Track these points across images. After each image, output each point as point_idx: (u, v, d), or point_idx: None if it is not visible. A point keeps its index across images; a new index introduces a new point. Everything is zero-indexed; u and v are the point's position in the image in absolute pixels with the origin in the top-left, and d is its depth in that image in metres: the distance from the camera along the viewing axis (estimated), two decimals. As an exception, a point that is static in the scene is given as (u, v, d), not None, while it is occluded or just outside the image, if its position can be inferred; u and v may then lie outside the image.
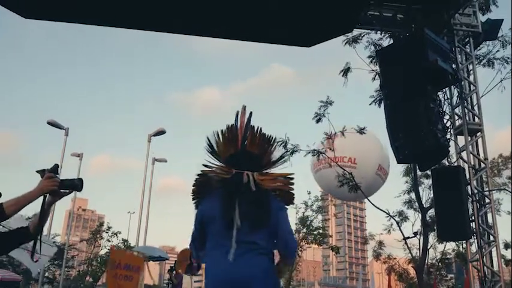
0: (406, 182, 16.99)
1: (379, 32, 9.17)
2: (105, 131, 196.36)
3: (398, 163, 7.30)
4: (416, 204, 12.32)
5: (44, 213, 2.38)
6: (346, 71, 9.37)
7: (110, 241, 27.82)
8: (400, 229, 11.67)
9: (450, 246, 17.29)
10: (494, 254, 8.16)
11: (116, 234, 28.13)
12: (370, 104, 9.52)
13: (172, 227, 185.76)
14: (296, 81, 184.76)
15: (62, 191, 2.40)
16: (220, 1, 5.22)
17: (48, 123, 19.03)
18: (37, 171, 2.41)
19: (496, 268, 8.11)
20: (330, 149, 10.20)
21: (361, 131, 9.94)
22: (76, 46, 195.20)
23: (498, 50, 9.25)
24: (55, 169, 2.41)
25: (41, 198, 2.36)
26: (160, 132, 18.90)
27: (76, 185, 2.42)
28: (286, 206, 2.94)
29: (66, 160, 19.96)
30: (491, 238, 8.15)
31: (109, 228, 28.62)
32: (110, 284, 10.37)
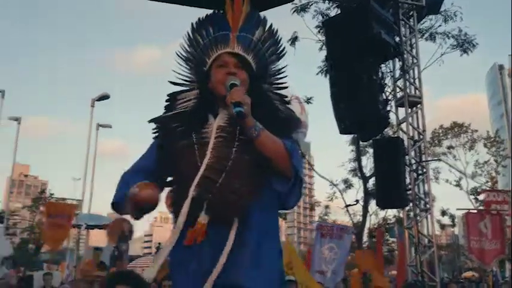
0: (352, 150, 17.34)
1: (327, 1, 9.14)
2: (44, 94, 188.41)
3: (340, 133, 7.42)
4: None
5: None
6: (294, 40, 9.33)
7: (53, 208, 27.05)
8: (342, 197, 12.01)
9: (391, 212, 17.99)
10: (430, 221, 8.58)
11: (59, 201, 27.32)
12: (317, 74, 9.58)
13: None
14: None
15: None
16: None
17: (-17, 85, 17.85)
18: None
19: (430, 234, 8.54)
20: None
21: (307, 100, 10.00)
22: (14, 2, 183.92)
23: (440, 25, 9.47)
24: None
25: None
26: (104, 97, 18.14)
27: None
28: None
29: (4, 124, 18.91)
30: (428, 206, 8.55)
31: (51, 194, 27.72)
32: (43, 234, 11.15)
